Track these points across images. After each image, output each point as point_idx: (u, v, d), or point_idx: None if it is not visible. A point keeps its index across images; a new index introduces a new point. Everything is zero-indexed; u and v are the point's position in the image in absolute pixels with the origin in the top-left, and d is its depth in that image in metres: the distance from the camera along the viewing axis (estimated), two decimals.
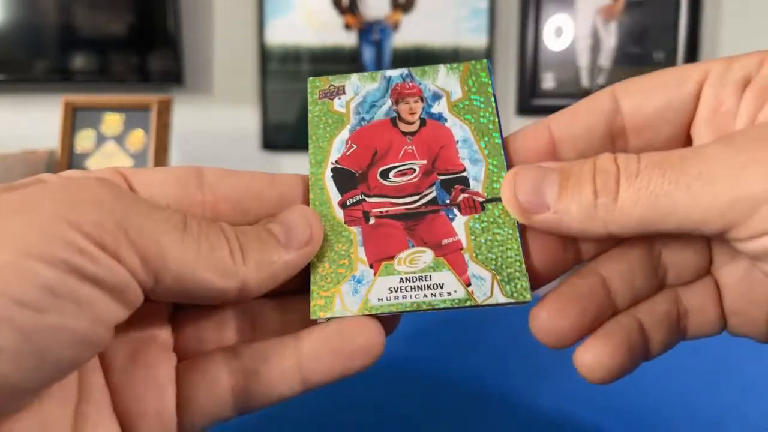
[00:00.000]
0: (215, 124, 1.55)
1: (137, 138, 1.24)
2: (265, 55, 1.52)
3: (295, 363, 0.21)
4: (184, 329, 0.23)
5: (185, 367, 0.22)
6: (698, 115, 0.22)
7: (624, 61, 1.49)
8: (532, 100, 1.51)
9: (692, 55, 1.46)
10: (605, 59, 1.49)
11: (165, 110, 1.24)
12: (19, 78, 1.51)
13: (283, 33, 1.51)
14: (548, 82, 1.51)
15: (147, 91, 1.47)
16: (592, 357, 0.21)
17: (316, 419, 0.35)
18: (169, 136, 1.26)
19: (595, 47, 1.49)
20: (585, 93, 1.49)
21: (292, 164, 1.54)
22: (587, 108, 0.23)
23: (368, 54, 1.52)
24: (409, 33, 1.51)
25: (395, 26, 1.51)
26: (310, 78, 0.27)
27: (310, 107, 0.26)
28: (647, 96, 0.22)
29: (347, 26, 1.52)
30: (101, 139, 1.25)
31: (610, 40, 1.48)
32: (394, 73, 0.27)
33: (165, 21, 1.48)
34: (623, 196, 0.19)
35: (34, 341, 0.16)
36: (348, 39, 1.52)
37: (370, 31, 1.52)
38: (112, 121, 1.26)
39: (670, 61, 1.47)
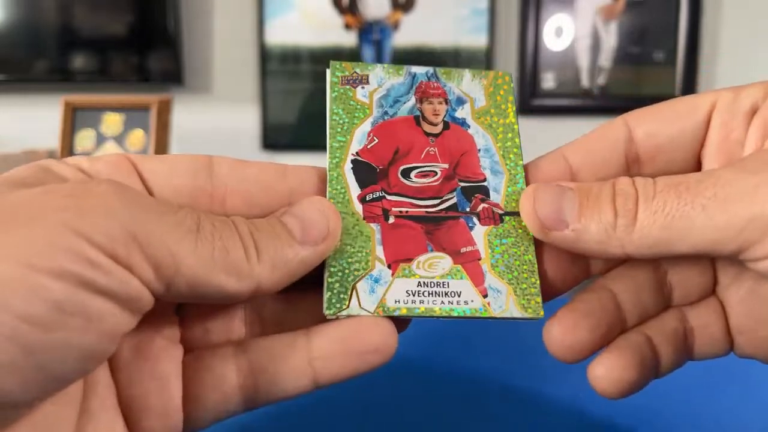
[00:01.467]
0: (215, 124, 1.55)
1: (137, 138, 1.24)
2: (265, 55, 1.52)
3: (305, 360, 0.21)
4: (191, 321, 0.22)
5: (192, 361, 0.21)
6: (708, 143, 0.23)
7: (624, 61, 1.49)
8: (532, 100, 1.51)
9: (692, 55, 1.46)
10: (605, 59, 1.49)
11: (165, 110, 1.24)
12: (19, 78, 1.51)
13: (283, 33, 1.51)
14: (548, 82, 1.51)
15: (147, 91, 1.47)
16: (606, 371, 0.21)
17: (315, 418, 0.35)
18: (168, 136, 1.26)
19: (595, 47, 1.49)
20: (585, 93, 1.50)
21: (293, 164, 1.53)
22: (602, 137, 0.24)
23: (368, 54, 1.52)
24: (409, 33, 1.51)
25: (395, 26, 1.51)
26: (332, 61, 0.26)
27: (329, 91, 0.25)
28: (660, 124, 0.23)
29: (347, 26, 1.52)
30: (101, 139, 1.25)
31: (610, 40, 1.49)
32: (420, 70, 0.26)
33: (165, 21, 1.48)
34: (641, 217, 0.20)
35: (38, 357, 0.15)
36: (348, 39, 1.52)
37: (370, 31, 1.52)
38: (112, 121, 1.26)
39: (670, 61, 1.47)
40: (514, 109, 0.26)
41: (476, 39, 1.49)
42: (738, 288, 0.23)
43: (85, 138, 1.26)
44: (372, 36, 1.52)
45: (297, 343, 0.21)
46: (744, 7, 1.46)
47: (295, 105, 1.53)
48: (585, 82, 1.51)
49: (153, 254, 0.17)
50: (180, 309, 0.22)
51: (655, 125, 0.23)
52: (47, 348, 0.15)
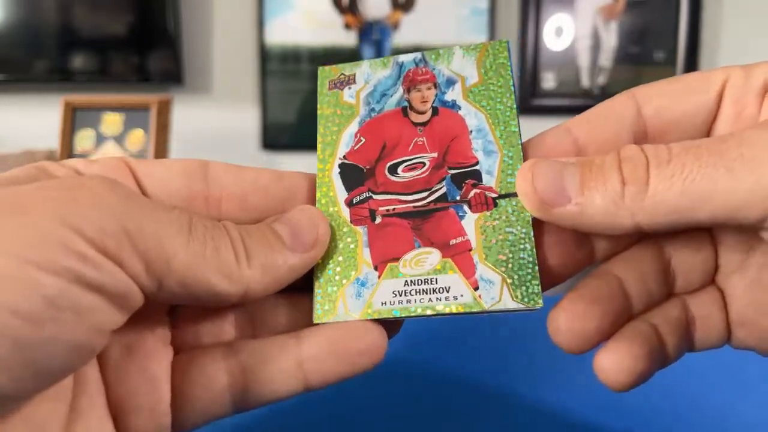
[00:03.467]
0: (215, 123, 1.55)
1: (137, 138, 1.24)
2: (264, 54, 1.52)
3: (295, 363, 0.21)
4: (182, 323, 0.22)
5: (182, 362, 0.21)
6: (720, 119, 0.22)
7: (624, 60, 1.49)
8: (532, 100, 1.51)
9: (692, 55, 1.46)
10: (605, 59, 1.49)
11: (164, 110, 1.24)
12: (19, 78, 1.51)
13: (282, 33, 1.51)
14: (548, 81, 1.51)
15: (147, 91, 1.47)
16: (615, 361, 0.20)
17: (313, 419, 0.35)
18: (168, 136, 1.26)
19: (596, 47, 1.49)
20: (585, 93, 1.50)
21: (292, 164, 1.54)
22: (610, 112, 0.23)
23: (368, 54, 1.52)
24: (409, 33, 1.51)
25: (395, 26, 1.51)
26: (321, 67, 0.26)
27: (319, 98, 0.25)
28: (671, 100, 0.22)
29: (347, 26, 1.52)
30: (101, 139, 1.25)
31: (610, 40, 1.48)
32: (407, 58, 0.25)
33: (165, 21, 1.48)
34: (654, 183, 0.19)
35: (28, 352, 0.15)
36: (348, 39, 1.52)
37: (370, 31, 1.52)
38: (112, 121, 1.26)
39: (670, 61, 1.47)
40: (511, 80, 0.24)
41: (476, 39, 1.49)
42: (741, 277, 0.22)
43: (84, 138, 1.26)
44: (372, 36, 1.52)
45: (287, 345, 0.21)
46: (744, 7, 1.46)
47: (294, 105, 1.53)
48: (585, 82, 1.51)
49: (144, 250, 0.17)
50: (172, 311, 0.22)
51: (666, 100, 0.22)
52: (37, 343, 0.15)
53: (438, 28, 1.50)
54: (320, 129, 0.25)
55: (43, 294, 0.15)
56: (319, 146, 0.24)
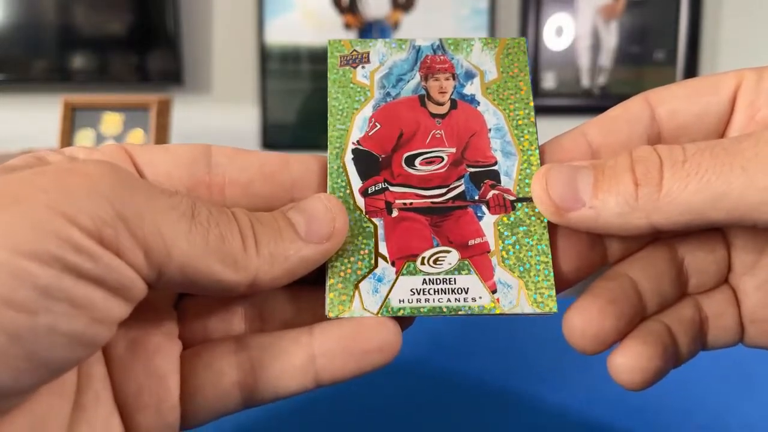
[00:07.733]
0: (215, 123, 1.55)
1: (136, 138, 1.24)
2: (264, 54, 1.52)
3: (306, 358, 0.20)
4: (190, 316, 0.22)
5: (190, 357, 0.21)
6: (733, 122, 0.22)
7: (624, 60, 1.49)
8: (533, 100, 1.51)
9: (692, 55, 1.46)
10: (606, 59, 1.49)
11: (164, 110, 1.24)
12: (19, 78, 1.51)
13: (282, 32, 1.51)
14: (549, 81, 1.51)
15: (146, 91, 1.47)
16: (630, 360, 0.20)
17: (315, 418, 0.35)
18: (168, 136, 1.26)
19: (596, 47, 1.49)
20: (585, 93, 1.50)
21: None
22: (624, 115, 0.23)
23: None
24: (409, 33, 1.51)
25: (395, 26, 1.51)
26: (331, 40, 0.25)
27: (329, 74, 0.24)
28: (684, 102, 0.22)
29: (347, 26, 1.52)
30: (100, 139, 1.25)
31: (610, 40, 1.48)
32: (425, 43, 0.25)
33: (164, 21, 1.48)
34: (668, 183, 0.19)
35: (25, 343, 0.15)
36: (348, 39, 1.52)
37: (370, 31, 1.52)
38: (112, 121, 1.26)
39: (670, 61, 1.47)
40: (528, 80, 0.24)
41: None
42: (753, 276, 0.22)
43: (84, 138, 1.25)
44: (372, 36, 1.52)
45: (299, 340, 0.20)
46: (744, 7, 1.46)
47: (294, 105, 1.53)
48: (585, 81, 1.50)
49: (142, 236, 0.16)
50: (179, 304, 0.22)
51: (680, 103, 0.22)
52: (33, 333, 0.15)
53: (438, 28, 1.50)
54: (331, 109, 0.24)
55: (34, 283, 0.15)
56: (330, 127, 0.23)
